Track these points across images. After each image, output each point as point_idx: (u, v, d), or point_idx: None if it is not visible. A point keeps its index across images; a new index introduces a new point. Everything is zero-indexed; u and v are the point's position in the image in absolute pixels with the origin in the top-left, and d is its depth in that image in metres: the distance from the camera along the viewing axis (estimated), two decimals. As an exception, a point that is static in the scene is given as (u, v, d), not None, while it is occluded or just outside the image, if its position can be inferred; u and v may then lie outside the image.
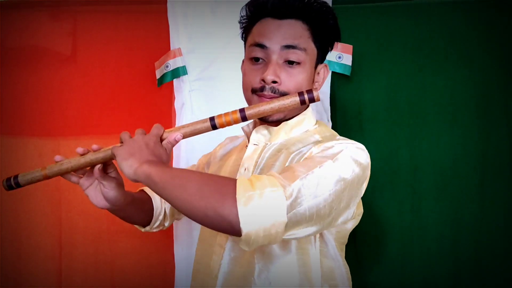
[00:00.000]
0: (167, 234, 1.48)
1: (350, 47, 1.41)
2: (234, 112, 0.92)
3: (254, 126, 1.04)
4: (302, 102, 0.90)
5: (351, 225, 0.97)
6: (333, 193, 0.80)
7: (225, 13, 1.46)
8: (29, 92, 1.51)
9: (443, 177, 1.40)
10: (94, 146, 0.96)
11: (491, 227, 1.38)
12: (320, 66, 1.02)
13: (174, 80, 1.48)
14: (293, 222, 0.77)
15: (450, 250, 1.39)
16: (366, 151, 0.89)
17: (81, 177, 0.99)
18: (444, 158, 1.40)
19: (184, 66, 1.47)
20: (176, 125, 1.36)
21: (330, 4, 1.42)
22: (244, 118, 0.92)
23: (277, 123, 0.99)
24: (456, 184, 1.39)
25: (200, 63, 1.48)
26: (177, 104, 1.49)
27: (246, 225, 0.73)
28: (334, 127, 1.42)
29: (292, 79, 0.94)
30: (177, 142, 0.92)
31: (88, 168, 0.98)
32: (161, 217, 1.16)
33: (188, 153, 1.48)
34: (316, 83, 1.02)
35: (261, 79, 0.94)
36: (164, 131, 0.92)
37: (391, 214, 1.41)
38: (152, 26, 1.50)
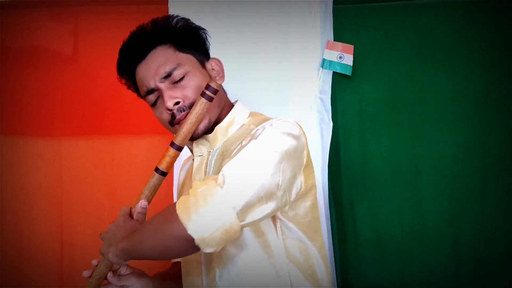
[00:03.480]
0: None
1: (351, 47, 1.41)
2: (167, 150, 0.96)
3: None
4: (209, 98, 0.92)
5: (310, 202, 0.94)
6: (272, 166, 0.80)
7: (226, 13, 1.46)
8: (29, 92, 1.51)
9: (444, 177, 1.40)
10: (94, 262, 1.00)
11: (491, 227, 1.38)
12: (208, 63, 1.04)
13: (175, 80, 1.48)
14: (243, 206, 0.76)
15: (450, 250, 1.39)
16: (293, 122, 0.90)
17: None
18: (444, 158, 1.40)
19: (185, 66, 1.48)
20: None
21: (331, 5, 1.42)
22: (179, 148, 0.96)
23: (211, 130, 1.00)
24: (456, 184, 1.39)
25: (200, 63, 1.49)
26: (177, 104, 1.49)
27: (195, 232, 0.75)
28: (335, 127, 1.41)
29: (188, 89, 0.97)
30: (144, 209, 0.96)
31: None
32: None
33: (188, 152, 1.48)
34: (217, 77, 1.03)
35: (166, 109, 0.97)
36: (130, 208, 0.97)
37: (391, 214, 1.41)
38: (153, 26, 1.50)
